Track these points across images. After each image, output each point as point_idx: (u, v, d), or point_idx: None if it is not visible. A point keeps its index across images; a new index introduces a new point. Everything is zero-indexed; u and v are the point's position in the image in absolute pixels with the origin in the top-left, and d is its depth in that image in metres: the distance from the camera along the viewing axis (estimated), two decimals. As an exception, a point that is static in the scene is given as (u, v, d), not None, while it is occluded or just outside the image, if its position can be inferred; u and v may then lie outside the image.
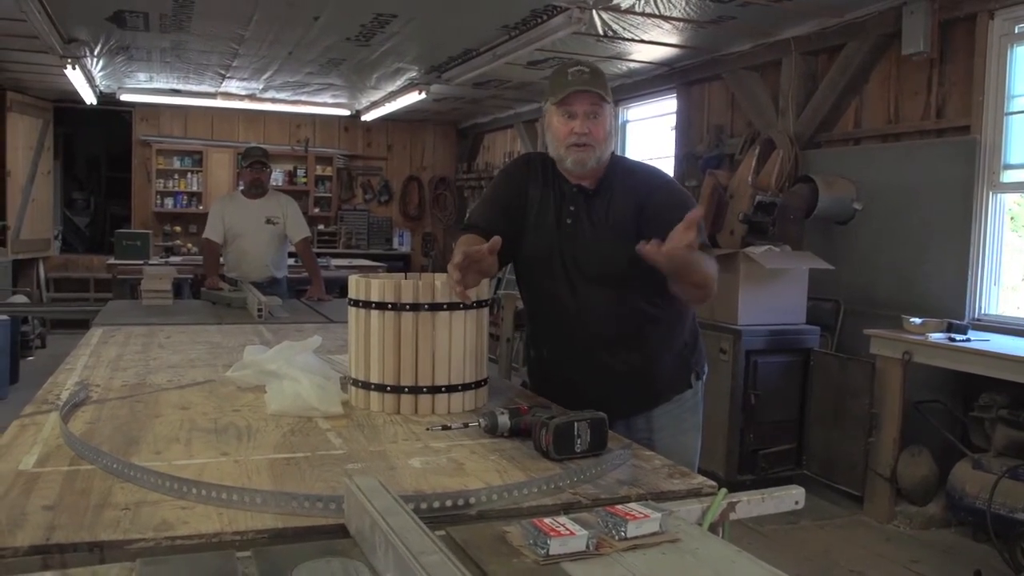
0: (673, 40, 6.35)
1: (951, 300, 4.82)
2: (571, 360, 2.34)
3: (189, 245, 10.48)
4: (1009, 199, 4.87)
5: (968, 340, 4.31)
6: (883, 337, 4.64)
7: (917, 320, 4.56)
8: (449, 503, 1.35)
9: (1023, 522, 3.87)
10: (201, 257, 6.39)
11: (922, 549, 4.26)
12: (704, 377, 2.47)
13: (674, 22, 5.76)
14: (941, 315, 4.62)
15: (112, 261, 8.51)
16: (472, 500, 1.37)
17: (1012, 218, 4.95)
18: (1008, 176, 4.75)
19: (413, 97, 8.88)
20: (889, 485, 4.58)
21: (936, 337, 4.40)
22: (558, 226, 2.31)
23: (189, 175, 11.45)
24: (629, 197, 2.27)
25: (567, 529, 1.19)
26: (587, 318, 2.29)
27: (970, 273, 4.78)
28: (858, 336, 4.98)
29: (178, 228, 11.32)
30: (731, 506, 1.48)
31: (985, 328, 4.62)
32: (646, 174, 2.36)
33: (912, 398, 4.60)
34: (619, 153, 8.09)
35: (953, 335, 4.37)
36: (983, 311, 4.80)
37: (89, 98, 9.25)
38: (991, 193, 4.77)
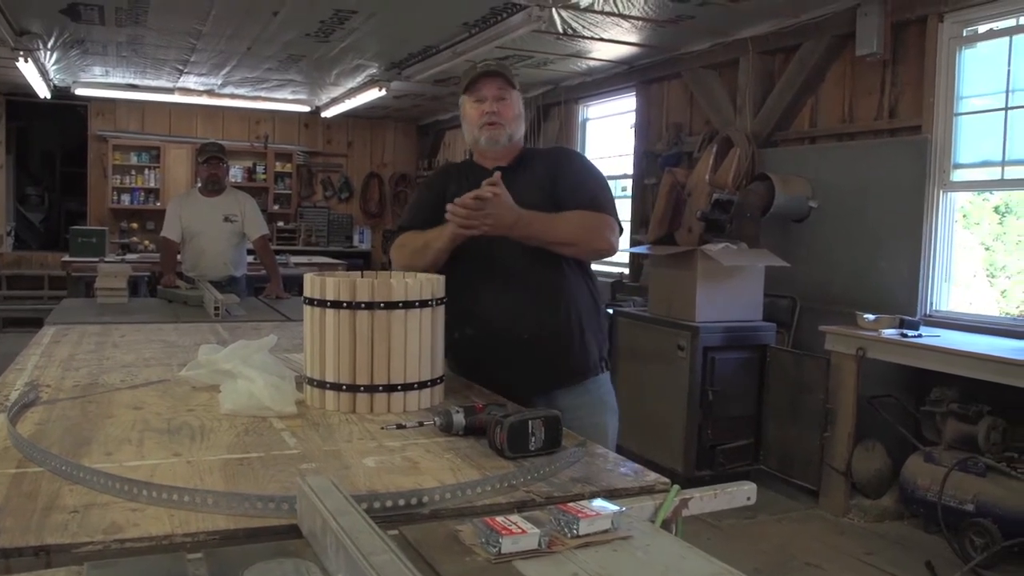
0: (632, 39, 6.39)
1: (904, 297, 4.92)
2: (493, 334, 2.40)
3: (146, 242, 10.33)
4: (960, 197, 4.97)
5: (920, 336, 4.40)
6: (838, 333, 4.71)
7: (871, 316, 4.64)
8: (402, 502, 1.35)
9: (972, 513, 3.96)
10: (158, 255, 6.31)
11: (876, 541, 4.34)
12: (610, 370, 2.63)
13: (633, 21, 5.80)
14: (894, 311, 4.71)
15: (67, 258, 8.36)
16: (425, 499, 1.37)
17: (964, 216, 5.05)
18: (958, 175, 4.85)
19: (373, 94, 8.84)
20: (844, 479, 4.66)
21: (889, 333, 4.48)
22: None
23: (146, 171, 11.29)
24: (545, 168, 2.52)
25: (519, 527, 1.20)
26: (510, 288, 2.40)
27: (922, 270, 4.88)
28: (813, 332, 5.05)
29: (135, 225, 11.16)
30: (684, 502, 1.49)
31: (937, 324, 4.71)
32: (558, 149, 2.78)
33: (866, 393, 4.68)
34: (578, 151, 8.14)
35: (905, 331, 4.46)
36: (935, 307, 4.90)
37: (43, 92, 9.07)
38: (942, 192, 4.87)
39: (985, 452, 4.08)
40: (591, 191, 2.45)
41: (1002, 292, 5.16)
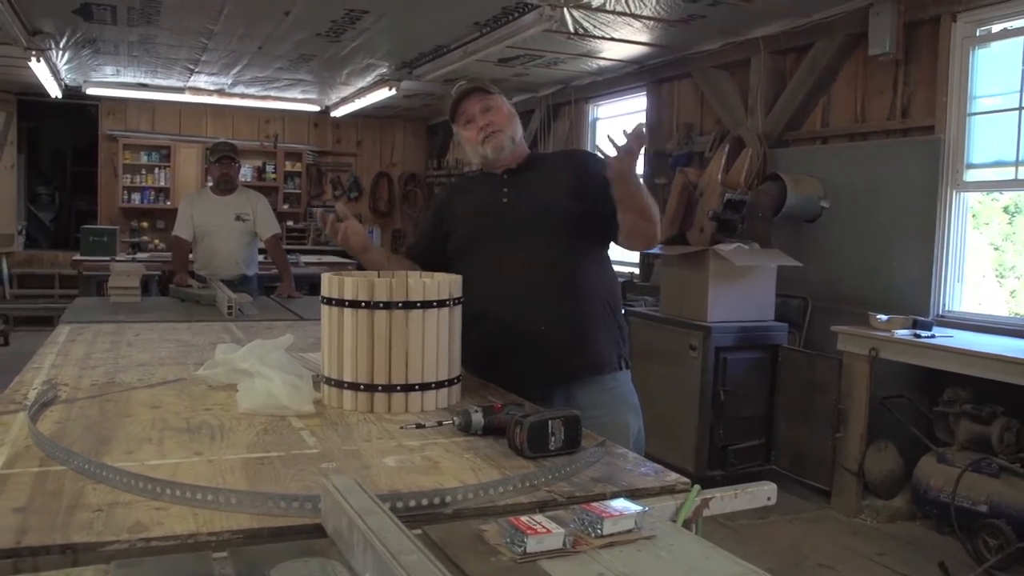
0: (643, 38, 6.39)
1: (916, 297, 4.90)
2: (508, 329, 2.41)
3: (156, 241, 10.36)
4: (972, 197, 4.95)
5: (933, 336, 4.38)
6: (850, 334, 4.70)
7: (883, 317, 4.63)
8: (425, 502, 1.35)
9: (985, 514, 3.94)
10: (169, 254, 6.33)
11: (888, 542, 4.33)
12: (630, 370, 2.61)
13: (644, 20, 5.80)
14: (906, 312, 4.70)
15: (78, 257, 8.39)
16: (448, 499, 1.37)
17: (974, 216, 5.03)
18: (971, 175, 4.84)
19: (383, 93, 8.85)
20: (856, 479, 4.65)
21: (902, 333, 4.47)
22: (494, 204, 2.50)
23: (157, 170, 11.33)
24: (561, 169, 2.59)
25: (544, 527, 1.20)
26: (524, 281, 2.42)
27: (934, 270, 4.86)
28: (825, 333, 5.04)
29: (145, 224, 11.20)
30: (705, 502, 1.49)
31: (949, 324, 4.70)
32: (575, 151, 3.17)
33: (878, 394, 4.66)
34: (588, 150, 8.11)
35: (918, 331, 4.44)
36: (947, 308, 4.89)
37: (54, 91, 9.10)
38: (955, 192, 4.85)
39: (999, 453, 4.06)
40: None
41: (1011, 292, 5.15)
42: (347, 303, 2.03)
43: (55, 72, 8.39)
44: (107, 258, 7.82)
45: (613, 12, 5.56)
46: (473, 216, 2.56)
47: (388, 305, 2.01)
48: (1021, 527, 3.80)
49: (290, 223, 11.57)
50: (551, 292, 2.42)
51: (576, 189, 2.46)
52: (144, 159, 11.31)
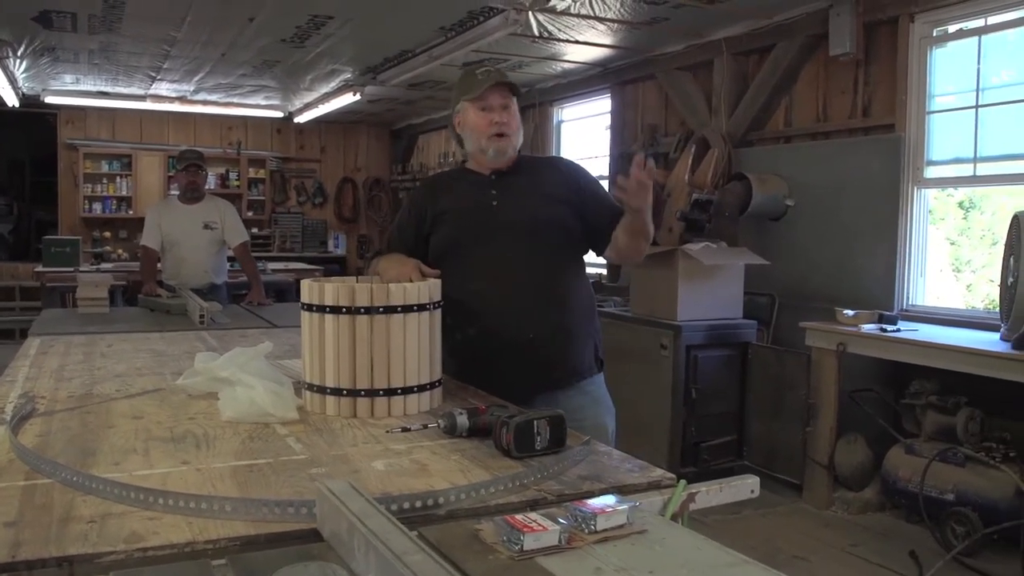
0: (607, 41, 6.44)
1: (881, 292, 4.99)
2: (497, 335, 2.42)
3: (119, 251, 10.23)
4: (931, 194, 5.06)
5: (898, 330, 4.46)
6: (818, 329, 4.77)
7: (850, 312, 4.70)
8: (419, 504, 1.37)
9: (952, 503, 4.03)
10: (134, 263, 6.25)
11: (860, 533, 4.40)
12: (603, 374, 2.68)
13: (608, 23, 5.85)
14: (872, 307, 4.78)
15: (40, 269, 8.25)
16: (441, 500, 1.39)
17: (930, 212, 5.14)
18: (931, 172, 4.94)
19: (347, 99, 8.83)
20: (827, 472, 4.72)
21: (868, 328, 4.55)
22: (482, 206, 2.49)
23: (118, 179, 11.18)
24: (550, 171, 2.60)
25: (539, 525, 1.22)
26: (512, 288, 2.42)
27: (898, 265, 4.96)
28: (793, 329, 5.12)
29: (108, 234, 11.05)
30: (691, 496, 1.53)
31: (913, 318, 4.79)
32: (558, 157, 2.87)
33: (847, 388, 4.74)
34: (556, 154, 8.09)
35: (884, 326, 4.52)
36: (911, 302, 4.98)
37: (11, 100, 8.95)
38: (915, 188, 4.95)
39: (964, 442, 4.15)
40: (613, 201, 2.56)
41: (967, 286, 5.26)
42: (328, 309, 2.04)
43: (12, 80, 8.27)
44: (70, 269, 7.70)
45: (577, 15, 5.60)
46: (459, 216, 2.53)
47: (369, 310, 2.02)
48: (987, 514, 3.89)
49: (255, 230, 11.46)
50: (538, 300, 2.44)
51: (565, 199, 2.48)
52: (105, 168, 11.16)
